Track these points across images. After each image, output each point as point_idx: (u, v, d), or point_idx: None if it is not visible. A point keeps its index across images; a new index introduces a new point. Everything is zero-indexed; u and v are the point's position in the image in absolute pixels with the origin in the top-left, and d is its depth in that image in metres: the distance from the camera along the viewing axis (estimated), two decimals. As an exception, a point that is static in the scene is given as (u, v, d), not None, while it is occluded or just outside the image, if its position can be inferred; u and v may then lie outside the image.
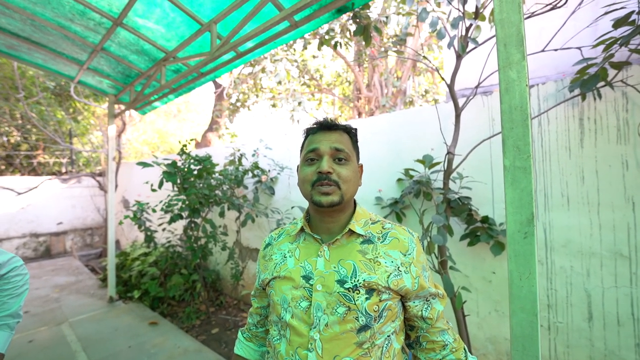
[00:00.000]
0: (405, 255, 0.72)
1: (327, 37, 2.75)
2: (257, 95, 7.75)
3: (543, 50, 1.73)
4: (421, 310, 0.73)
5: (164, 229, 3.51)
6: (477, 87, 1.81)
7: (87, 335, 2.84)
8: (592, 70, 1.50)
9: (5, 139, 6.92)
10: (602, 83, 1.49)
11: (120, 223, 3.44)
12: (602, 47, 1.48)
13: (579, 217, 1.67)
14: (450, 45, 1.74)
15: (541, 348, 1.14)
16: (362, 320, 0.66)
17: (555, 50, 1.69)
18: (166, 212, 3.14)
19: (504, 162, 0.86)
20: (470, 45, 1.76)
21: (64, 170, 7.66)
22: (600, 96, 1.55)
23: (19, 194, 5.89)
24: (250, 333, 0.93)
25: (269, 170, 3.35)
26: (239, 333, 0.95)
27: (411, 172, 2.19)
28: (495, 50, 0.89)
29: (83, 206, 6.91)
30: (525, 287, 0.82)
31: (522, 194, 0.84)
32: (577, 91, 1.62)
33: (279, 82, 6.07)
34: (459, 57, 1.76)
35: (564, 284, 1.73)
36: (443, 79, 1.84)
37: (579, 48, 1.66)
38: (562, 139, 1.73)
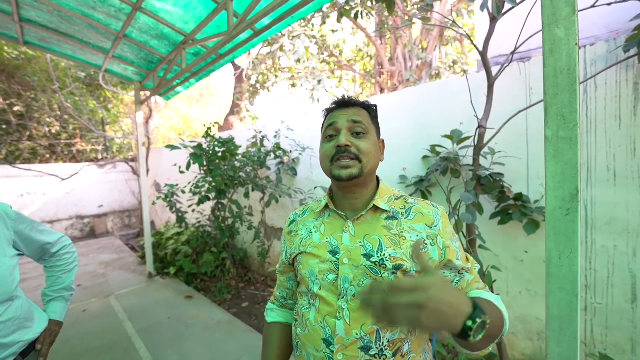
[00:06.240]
0: (431, 227, 0.70)
1: (346, 7, 2.61)
2: (276, 76, 7.66)
3: (594, 6, 1.52)
4: (452, 282, 0.71)
5: (193, 210, 3.68)
6: (513, 52, 1.64)
7: (131, 307, 3.12)
8: (653, 25, 1.31)
9: (47, 129, 7.42)
10: (666, 39, 1.30)
11: (153, 204, 3.65)
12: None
13: (626, 193, 1.53)
14: (483, 6, 1.58)
15: (578, 329, 1.09)
16: None
17: (609, 4, 1.49)
18: (194, 193, 3.27)
19: (546, 132, 0.78)
20: (507, 6, 1.58)
21: (100, 157, 8.15)
22: (661, 55, 1.36)
23: (63, 179, 6.38)
24: (280, 303, 0.91)
25: (291, 151, 3.36)
26: (269, 304, 0.93)
27: (438, 149, 2.09)
28: (538, 7, 0.79)
29: (120, 190, 7.39)
30: (565, 267, 0.76)
31: (566, 167, 0.76)
32: (633, 51, 1.43)
33: (298, 61, 5.93)
34: (493, 20, 1.60)
35: (605, 264, 1.62)
36: (475, 46, 1.69)
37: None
38: (612, 106, 1.55)
